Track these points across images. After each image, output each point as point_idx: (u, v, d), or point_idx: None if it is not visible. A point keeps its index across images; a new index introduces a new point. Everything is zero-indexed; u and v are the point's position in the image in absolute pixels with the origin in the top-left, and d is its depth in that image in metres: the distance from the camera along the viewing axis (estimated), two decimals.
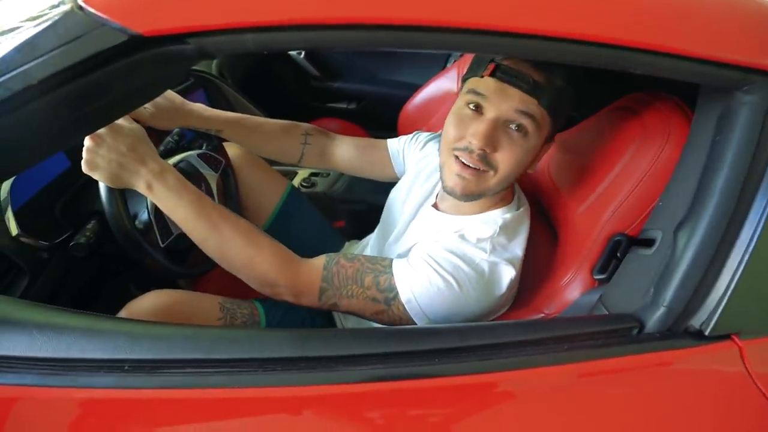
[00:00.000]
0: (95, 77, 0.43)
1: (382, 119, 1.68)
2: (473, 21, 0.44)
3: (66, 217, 0.85)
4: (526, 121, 0.66)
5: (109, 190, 0.75)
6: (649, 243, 0.58)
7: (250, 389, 0.50)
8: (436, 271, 0.66)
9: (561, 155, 0.90)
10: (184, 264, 0.89)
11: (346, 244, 1.10)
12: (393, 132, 1.43)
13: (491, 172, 0.69)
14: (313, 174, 1.33)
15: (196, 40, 0.42)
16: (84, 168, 0.66)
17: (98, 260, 0.84)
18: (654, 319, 0.53)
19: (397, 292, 0.67)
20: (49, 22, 0.44)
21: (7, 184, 0.75)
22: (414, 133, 0.99)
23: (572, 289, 0.75)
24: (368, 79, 1.78)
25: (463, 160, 0.69)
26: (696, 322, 0.53)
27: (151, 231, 0.79)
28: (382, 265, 0.70)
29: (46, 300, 0.75)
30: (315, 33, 0.42)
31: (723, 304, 0.52)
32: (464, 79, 0.74)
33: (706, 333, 0.53)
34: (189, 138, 0.99)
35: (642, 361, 0.52)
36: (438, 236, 0.74)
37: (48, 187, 0.86)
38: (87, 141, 0.65)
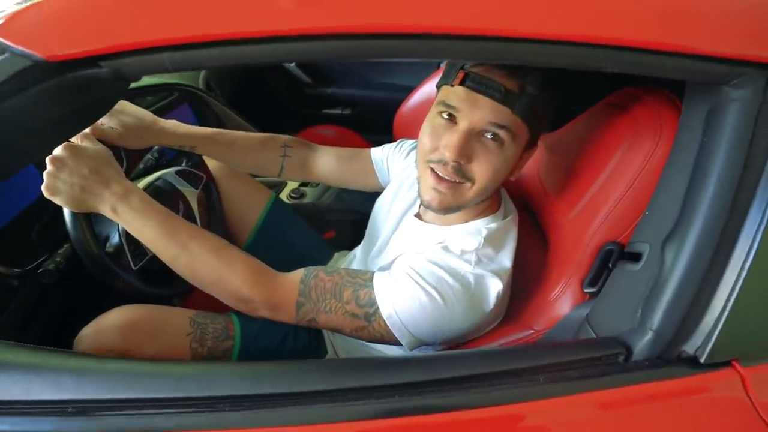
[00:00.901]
0: (10, 105, 0.40)
1: (377, 123, 1.64)
2: (421, 25, 0.40)
3: (42, 241, 0.84)
4: (500, 131, 0.62)
5: (74, 214, 0.73)
6: (636, 257, 0.53)
7: None
8: (419, 284, 0.63)
9: (549, 157, 0.84)
10: (167, 285, 0.86)
11: (336, 255, 1.06)
12: (389, 136, 1.40)
13: (468, 184, 0.66)
14: (302, 184, 1.30)
15: (108, 63, 0.39)
16: (45, 193, 0.64)
17: (70, 286, 0.82)
18: (642, 345, 0.47)
19: (378, 307, 0.64)
20: None
21: None
22: (398, 141, 0.95)
23: (562, 303, 0.69)
24: (362, 84, 1.75)
25: (438, 173, 0.65)
26: (690, 347, 0.47)
27: (122, 254, 0.77)
28: (363, 278, 0.67)
29: (17, 329, 0.74)
30: (232, 48, 0.38)
31: (719, 326, 0.45)
32: (438, 86, 0.70)
33: (702, 360, 0.46)
34: (170, 155, 0.97)
35: (630, 393, 0.46)
36: (421, 247, 0.70)
37: (26, 211, 0.85)
38: (48, 164, 0.62)
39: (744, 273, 0.44)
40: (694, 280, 0.45)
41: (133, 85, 1.05)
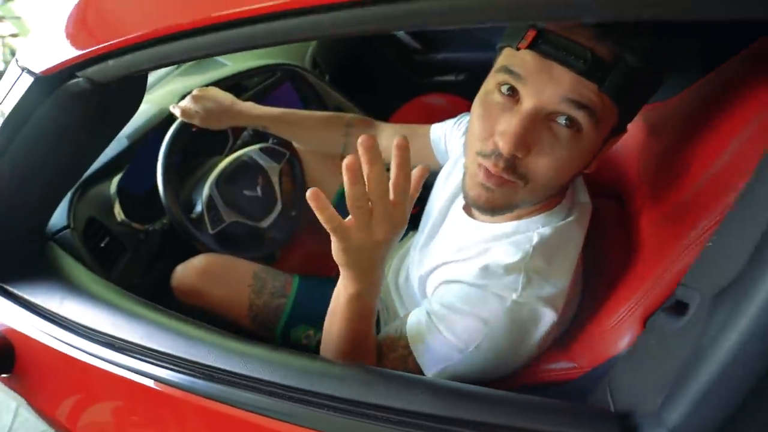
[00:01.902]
0: (39, 118, 0.49)
1: None
2: None
3: None
4: (579, 114, 0.46)
5: (165, 187, 0.89)
6: (681, 308, 0.35)
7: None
8: (458, 348, 0.55)
9: (652, 135, 0.61)
10: (241, 250, 0.99)
11: (410, 234, 1.02)
12: None
13: (519, 183, 0.52)
14: None
15: (81, 72, 0.44)
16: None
17: (178, 240, 1.01)
18: None
19: (426, 374, 0.58)
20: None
21: (114, 183, 0.95)
22: (460, 115, 0.82)
23: (619, 336, 0.52)
24: (476, 45, 1.52)
25: (487, 167, 0.52)
26: None
27: (202, 220, 0.92)
28: (402, 346, 0.60)
29: (140, 271, 0.95)
30: (156, 49, 0.38)
31: None
32: (498, 48, 0.55)
33: None
34: (266, 133, 1.07)
35: None
36: (460, 260, 0.61)
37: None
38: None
39: None
40: (750, 363, 0.27)
41: (237, 68, 1.15)
